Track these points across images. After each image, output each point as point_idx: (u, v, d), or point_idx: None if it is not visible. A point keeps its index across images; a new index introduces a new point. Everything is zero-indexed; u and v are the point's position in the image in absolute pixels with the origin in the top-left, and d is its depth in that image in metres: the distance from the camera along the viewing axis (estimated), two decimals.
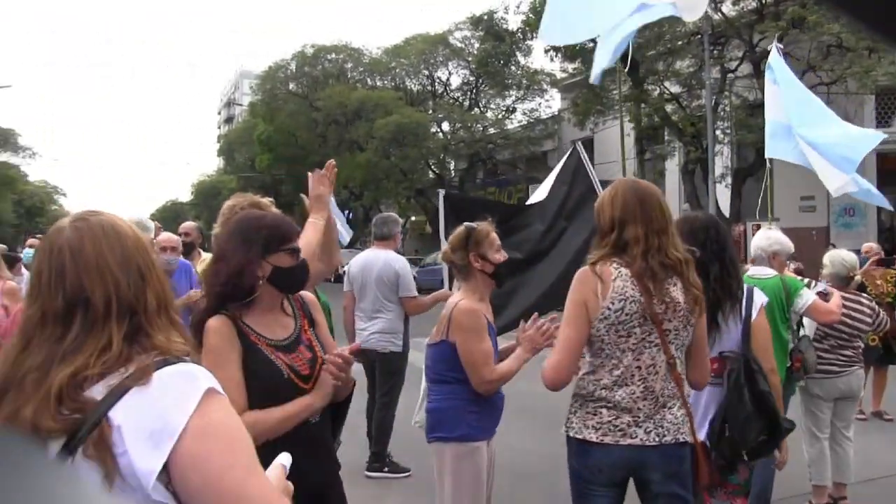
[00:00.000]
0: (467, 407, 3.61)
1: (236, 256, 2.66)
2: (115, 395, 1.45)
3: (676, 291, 3.05)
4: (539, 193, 6.60)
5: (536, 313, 3.76)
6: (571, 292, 3.13)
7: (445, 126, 39.26)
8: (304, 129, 42.79)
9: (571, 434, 3.13)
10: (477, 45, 37.88)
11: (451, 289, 5.62)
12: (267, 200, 3.83)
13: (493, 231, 3.78)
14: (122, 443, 1.42)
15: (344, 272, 6.98)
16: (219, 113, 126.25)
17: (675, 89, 23.87)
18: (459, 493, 3.59)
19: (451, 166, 41.62)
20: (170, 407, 1.44)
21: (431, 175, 38.99)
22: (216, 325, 2.64)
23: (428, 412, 3.78)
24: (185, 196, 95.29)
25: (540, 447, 6.52)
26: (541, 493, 5.89)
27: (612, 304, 3.00)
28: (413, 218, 43.32)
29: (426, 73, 41.22)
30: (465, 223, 3.82)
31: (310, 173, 3.73)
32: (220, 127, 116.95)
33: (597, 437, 3.03)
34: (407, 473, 6.35)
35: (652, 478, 3.04)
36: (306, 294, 2.96)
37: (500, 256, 3.73)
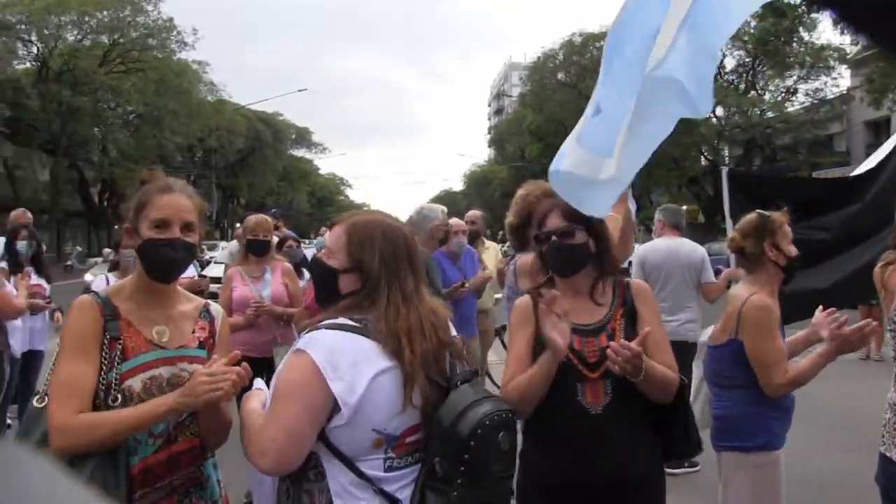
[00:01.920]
0: (766, 412, 3.30)
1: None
2: None
3: None
4: (865, 166, 5.69)
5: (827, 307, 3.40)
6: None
7: (719, 111, 37.74)
8: (574, 118, 42.61)
9: (882, 450, 2.96)
10: (754, 24, 35.94)
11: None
12: None
13: (788, 221, 3.47)
14: None
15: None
16: (489, 104, 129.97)
17: None
18: None
19: (725, 153, 39.95)
20: None
21: (704, 162, 37.73)
22: (523, 303, 2.81)
23: (717, 419, 3.44)
24: (458, 185, 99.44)
25: (825, 455, 5.96)
26: None
27: None
28: (685, 207, 42.14)
29: None
30: (758, 211, 3.52)
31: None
32: (491, 118, 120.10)
33: None
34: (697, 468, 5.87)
35: None
36: (638, 283, 2.86)
37: (794, 249, 3.43)
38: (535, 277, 3.30)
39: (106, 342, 2.15)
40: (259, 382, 2.28)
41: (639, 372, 2.49)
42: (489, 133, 77.37)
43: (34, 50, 33.12)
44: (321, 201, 78.41)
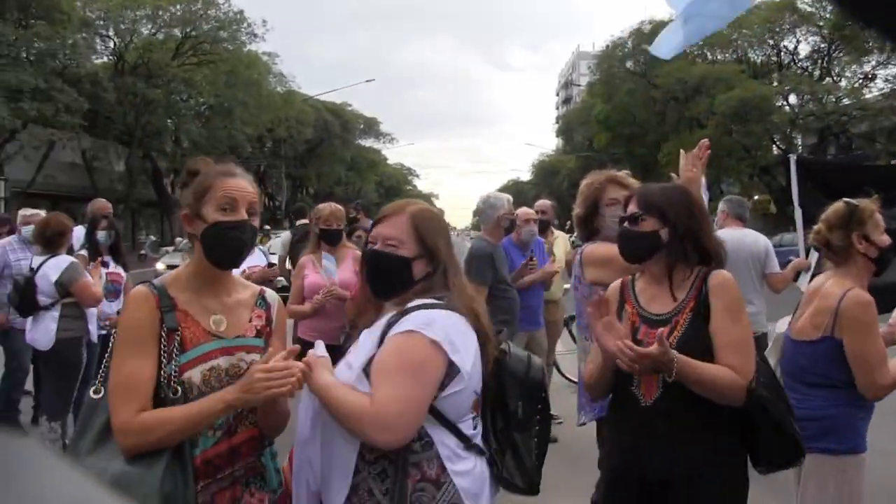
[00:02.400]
0: (857, 414, 3.19)
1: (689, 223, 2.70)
2: None
3: None
4: None
5: None
6: None
7: (792, 99, 36.69)
8: (642, 107, 42.48)
9: None
10: (830, 8, 34.80)
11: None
12: (624, 173, 3.87)
13: (878, 210, 3.30)
14: None
15: None
16: (557, 94, 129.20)
17: None
18: None
19: (798, 142, 38.83)
20: None
21: (776, 151, 36.75)
22: (611, 289, 2.89)
23: (802, 419, 3.07)
24: (526, 175, 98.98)
25: None
26: None
27: None
28: (756, 197, 41.17)
29: (771, 42, 38.75)
30: (845, 200, 3.34)
31: (682, 151, 3.49)
32: (559, 108, 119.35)
33: None
34: None
35: None
36: (719, 277, 2.68)
37: (887, 239, 3.26)
38: (611, 265, 3.34)
39: (163, 334, 2.13)
40: (320, 347, 2.26)
41: (668, 372, 2.48)
42: (557, 123, 76.68)
43: (111, 45, 34.14)
44: (389, 191, 78.84)
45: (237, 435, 2.23)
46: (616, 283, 2.87)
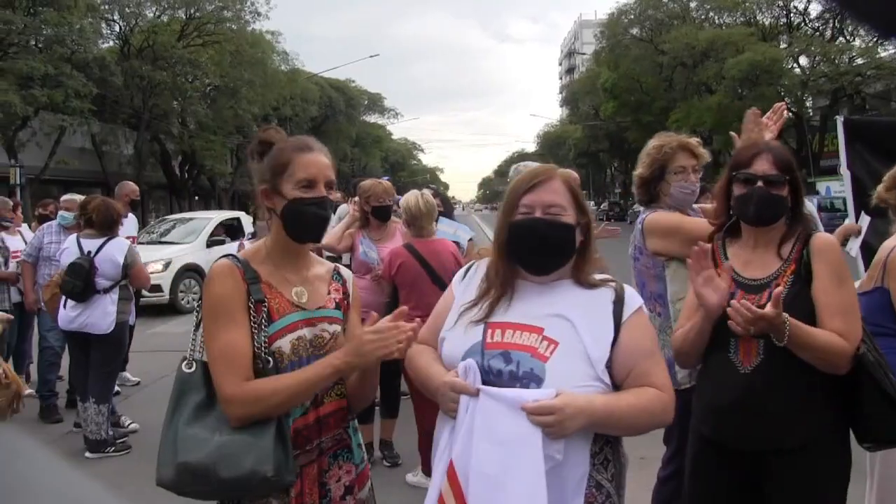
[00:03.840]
0: None
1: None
2: None
3: None
4: None
5: None
6: None
7: (803, 60, 36.37)
8: (650, 74, 42.19)
9: None
10: None
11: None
12: (695, 140, 3.73)
13: None
14: None
15: None
16: (560, 64, 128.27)
17: None
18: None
19: (810, 104, 38.58)
20: None
21: (787, 114, 36.43)
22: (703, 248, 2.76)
23: None
24: (531, 146, 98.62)
25: None
26: None
27: None
28: None
29: (780, 3, 38.36)
30: None
31: (748, 111, 3.46)
32: (562, 77, 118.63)
33: None
34: None
35: None
36: (821, 239, 2.66)
37: None
38: (676, 235, 3.33)
39: (252, 305, 2.13)
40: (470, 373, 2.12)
41: (780, 335, 2.41)
42: (561, 93, 76.24)
43: (116, 29, 33.96)
44: (394, 166, 78.76)
45: (324, 405, 2.23)
46: (705, 248, 2.67)
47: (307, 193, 2.19)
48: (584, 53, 68.78)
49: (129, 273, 6.14)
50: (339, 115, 52.18)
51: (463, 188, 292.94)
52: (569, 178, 2.21)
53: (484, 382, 2.03)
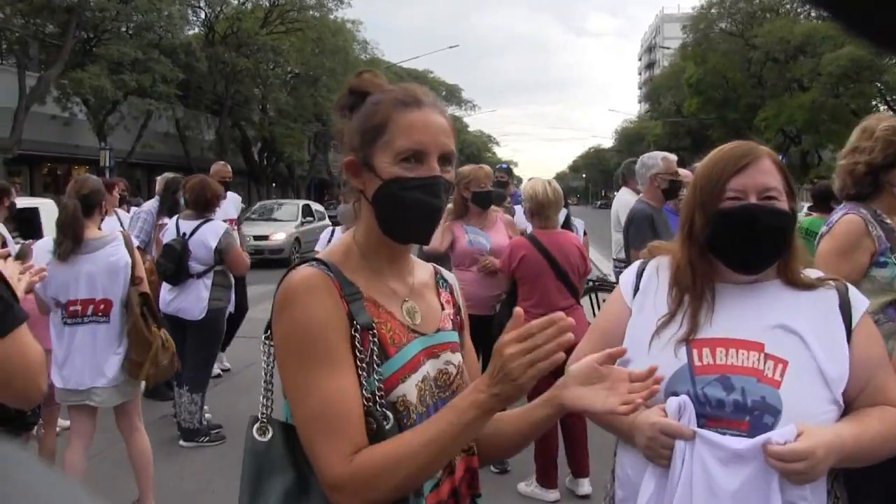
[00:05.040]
0: None
1: None
2: None
3: None
4: None
5: None
6: None
7: None
8: (737, 69, 40.90)
9: None
10: None
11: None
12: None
13: None
14: None
15: None
16: (639, 59, 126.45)
17: None
18: None
19: None
20: None
21: (888, 112, 34.92)
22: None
23: None
24: (608, 142, 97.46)
25: None
26: None
27: None
28: None
29: None
30: None
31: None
32: (641, 73, 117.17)
33: None
34: None
35: None
36: None
37: None
38: None
39: (356, 335, 1.42)
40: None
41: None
42: (640, 88, 74.84)
43: (202, 15, 34.45)
44: (469, 158, 78.36)
45: (456, 470, 1.56)
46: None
47: (411, 171, 1.46)
48: (667, 48, 67.18)
49: (225, 258, 5.85)
50: None
51: None
52: (775, 156, 1.80)
53: (700, 415, 1.65)
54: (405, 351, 1.49)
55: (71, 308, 4.16)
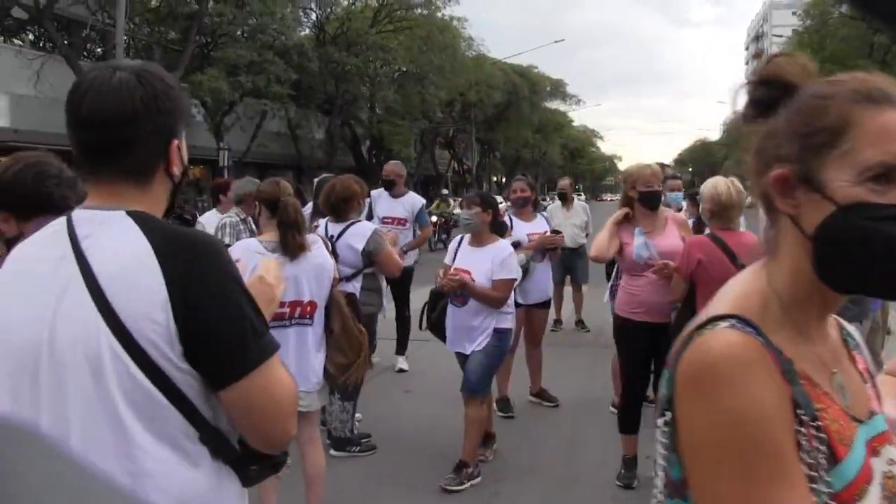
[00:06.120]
0: None
1: None
2: None
3: None
4: None
5: None
6: None
7: None
8: (859, 56, 38.95)
9: None
10: None
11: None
12: None
13: None
14: None
15: None
16: (746, 48, 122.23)
17: None
18: None
19: None
20: None
21: None
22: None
23: None
24: (713, 134, 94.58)
25: None
26: None
27: None
28: None
29: None
30: None
31: None
32: (748, 63, 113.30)
33: None
34: None
35: None
36: None
37: None
38: None
39: (803, 434, 1.03)
40: None
41: None
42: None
43: (313, 17, 35.14)
44: (573, 154, 77.70)
45: None
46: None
47: (884, 195, 1.04)
48: (779, 36, 64.64)
49: (374, 261, 5.63)
50: (523, 101, 51.74)
51: None
52: None
53: None
54: (855, 454, 1.08)
55: (277, 311, 4.18)
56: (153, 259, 1.44)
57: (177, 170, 1.64)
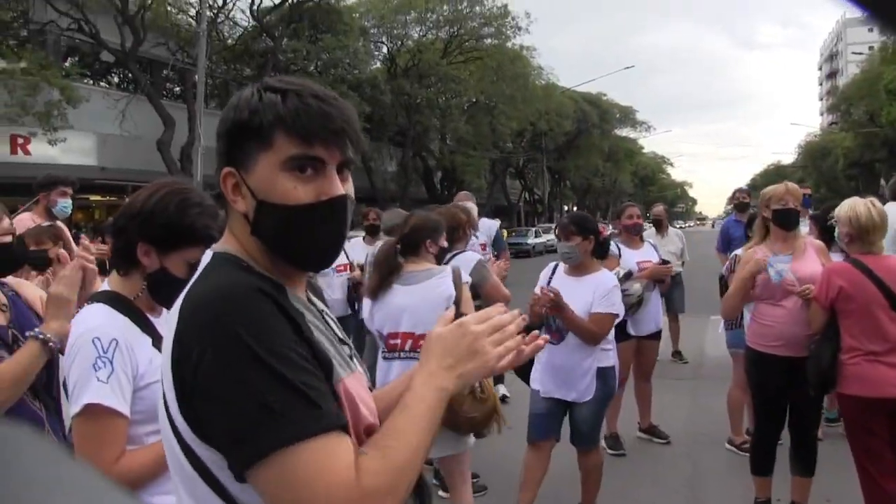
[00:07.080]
0: None
1: None
2: None
3: None
4: None
5: None
6: None
7: None
8: None
9: None
10: None
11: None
12: None
13: None
14: None
15: None
16: (819, 68, 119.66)
17: None
18: None
19: None
20: None
21: None
22: None
23: None
24: (786, 157, 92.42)
25: None
26: None
27: None
28: None
29: None
30: None
31: None
32: (822, 83, 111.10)
33: None
34: None
35: None
36: None
37: None
38: None
39: None
40: None
41: None
42: (822, 99, 70.48)
43: (384, 50, 35.57)
44: (643, 181, 76.76)
45: None
46: None
47: None
48: (859, 53, 62.91)
49: (480, 292, 5.36)
50: (593, 128, 51.51)
51: (711, 203, 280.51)
52: None
53: None
54: None
55: (391, 341, 4.06)
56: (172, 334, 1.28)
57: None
